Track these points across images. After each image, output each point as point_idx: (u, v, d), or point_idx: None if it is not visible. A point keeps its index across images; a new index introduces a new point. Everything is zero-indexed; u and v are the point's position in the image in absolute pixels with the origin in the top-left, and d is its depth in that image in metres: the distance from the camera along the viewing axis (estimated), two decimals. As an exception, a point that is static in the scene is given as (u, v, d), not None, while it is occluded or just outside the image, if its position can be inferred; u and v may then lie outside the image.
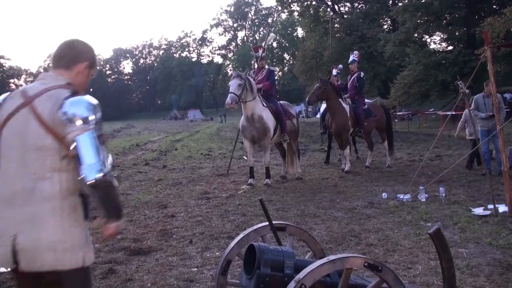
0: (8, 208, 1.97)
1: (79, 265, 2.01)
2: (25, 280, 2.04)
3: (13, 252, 1.92)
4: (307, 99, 10.74)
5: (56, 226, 1.97)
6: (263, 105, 8.31)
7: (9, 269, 1.98)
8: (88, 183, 1.92)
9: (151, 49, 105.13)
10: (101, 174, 1.91)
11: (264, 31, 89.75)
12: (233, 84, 7.94)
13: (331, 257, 2.17)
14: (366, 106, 10.22)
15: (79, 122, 1.94)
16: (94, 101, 2.05)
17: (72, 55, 2.17)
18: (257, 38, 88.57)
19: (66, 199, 2.01)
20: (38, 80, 2.14)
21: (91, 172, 1.91)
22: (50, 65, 2.19)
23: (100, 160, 1.94)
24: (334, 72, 11.66)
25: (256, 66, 9.40)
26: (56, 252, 1.95)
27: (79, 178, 1.94)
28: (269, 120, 8.27)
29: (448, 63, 25.62)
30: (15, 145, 2.00)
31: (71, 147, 1.96)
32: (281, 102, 9.05)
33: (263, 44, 9.71)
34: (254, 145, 8.73)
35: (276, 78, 9.35)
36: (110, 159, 2.06)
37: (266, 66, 9.20)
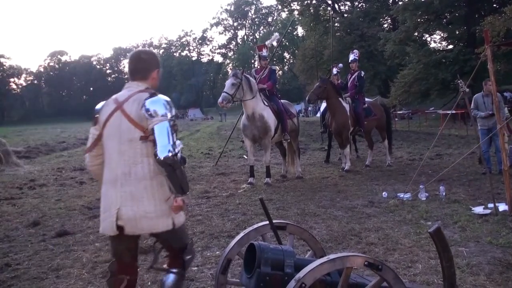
0: (113, 188, 2.61)
1: (169, 227, 2.65)
2: (128, 239, 2.69)
3: (118, 221, 2.54)
4: (307, 98, 10.73)
5: (149, 200, 2.57)
6: (264, 104, 8.30)
7: (114, 233, 2.58)
8: (158, 160, 2.44)
9: (151, 48, 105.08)
10: (170, 154, 2.43)
11: (265, 31, 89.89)
12: (227, 84, 7.99)
13: (331, 256, 2.17)
14: (366, 105, 10.21)
15: (157, 116, 2.53)
16: (167, 99, 2.65)
17: (144, 69, 2.78)
18: (258, 37, 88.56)
19: (154, 179, 2.59)
20: (125, 89, 2.78)
21: (162, 151, 2.44)
22: (129, 77, 2.80)
23: (171, 142, 2.47)
24: (334, 71, 11.65)
25: (258, 65, 9.38)
26: (151, 220, 2.58)
27: (156, 157, 2.45)
28: (270, 119, 8.26)
29: (448, 62, 25.61)
30: (113, 140, 2.64)
31: (150, 136, 2.53)
32: (282, 101, 9.04)
33: (267, 43, 9.68)
34: (254, 144, 8.73)
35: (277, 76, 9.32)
36: (179, 144, 2.54)
37: (268, 65, 9.20)
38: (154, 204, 2.58)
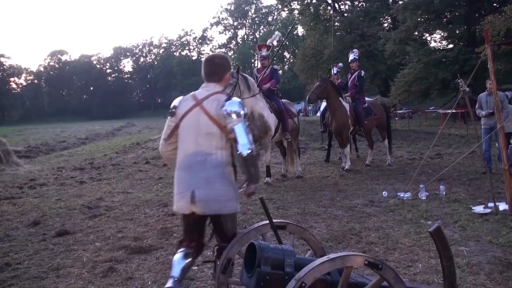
0: (187, 173, 2.97)
1: (232, 211, 3.04)
2: (197, 219, 3.09)
3: (192, 202, 2.91)
4: (307, 98, 10.70)
5: (220, 185, 2.94)
6: (264, 103, 8.30)
7: (188, 211, 2.99)
8: (242, 156, 2.88)
9: (151, 47, 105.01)
10: (250, 151, 2.87)
11: (265, 30, 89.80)
12: None
13: (332, 256, 2.17)
14: (366, 104, 10.21)
15: (235, 116, 2.92)
16: (240, 101, 3.05)
17: (219, 72, 3.15)
18: (258, 36, 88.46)
19: (226, 168, 2.98)
20: (203, 88, 3.14)
21: (244, 148, 2.87)
22: (204, 77, 3.17)
23: (249, 141, 2.90)
24: (334, 70, 11.64)
25: (259, 65, 9.37)
26: (220, 202, 2.94)
27: (237, 153, 2.90)
28: (270, 118, 8.25)
29: (449, 61, 25.58)
30: (190, 131, 3.01)
31: (230, 134, 2.94)
32: (282, 100, 9.03)
33: (268, 42, 9.63)
34: (255, 143, 8.71)
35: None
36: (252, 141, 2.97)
37: (270, 64, 9.17)
38: (224, 189, 2.97)
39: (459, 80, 6.35)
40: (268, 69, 8.93)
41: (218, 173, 2.96)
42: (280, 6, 47.57)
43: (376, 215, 5.73)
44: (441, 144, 13.44)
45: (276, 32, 10.49)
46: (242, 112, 2.96)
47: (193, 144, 3.00)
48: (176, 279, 2.97)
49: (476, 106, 8.39)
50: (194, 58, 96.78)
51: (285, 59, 77.94)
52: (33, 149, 17.01)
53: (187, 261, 3.08)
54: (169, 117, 3.21)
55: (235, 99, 3.05)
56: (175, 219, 5.92)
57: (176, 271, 3.01)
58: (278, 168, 10.04)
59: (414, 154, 11.74)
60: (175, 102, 3.19)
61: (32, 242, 5.19)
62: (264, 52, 9.05)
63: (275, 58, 9.66)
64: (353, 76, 10.40)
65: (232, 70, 8.24)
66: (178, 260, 3.07)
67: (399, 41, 26.94)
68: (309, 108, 45.66)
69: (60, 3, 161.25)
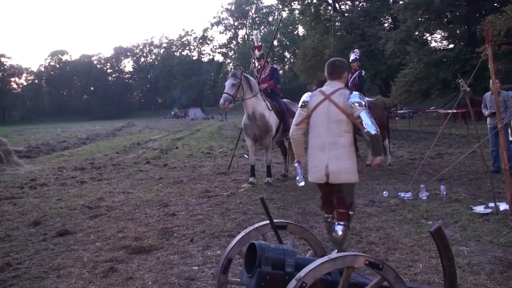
0: (321, 152, 3.86)
1: (353, 181, 3.91)
2: (328, 187, 3.94)
3: (326, 174, 3.81)
4: None
5: (347, 160, 3.82)
6: (265, 103, 8.30)
7: (323, 181, 3.87)
8: (369, 134, 3.74)
9: (152, 47, 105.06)
10: (375, 131, 3.74)
11: (265, 30, 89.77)
12: (227, 85, 7.99)
13: (332, 256, 2.17)
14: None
15: (358, 106, 3.76)
16: (359, 93, 3.88)
17: (339, 72, 4.04)
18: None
19: (350, 147, 3.87)
20: (328, 85, 3.99)
21: (371, 129, 3.74)
22: (327, 76, 4.05)
23: (373, 123, 3.77)
24: None
25: (257, 66, 9.38)
26: (347, 174, 3.82)
27: (365, 132, 3.74)
28: (271, 118, 8.26)
29: (449, 61, 25.58)
30: (323, 119, 3.86)
31: (356, 120, 3.78)
32: (284, 100, 9.04)
33: (255, 43, 9.75)
34: (256, 143, 8.73)
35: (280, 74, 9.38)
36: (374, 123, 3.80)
37: (269, 64, 9.20)
38: (350, 164, 3.83)
39: (459, 80, 6.35)
40: (267, 69, 8.94)
41: (346, 151, 3.83)
42: (280, 6, 47.55)
43: (377, 215, 5.73)
44: (442, 144, 13.44)
45: (254, 31, 10.66)
46: (363, 102, 3.80)
47: (325, 129, 3.85)
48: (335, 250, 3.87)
49: (482, 106, 8.51)
50: (194, 58, 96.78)
51: (286, 59, 77.91)
52: (34, 149, 17.02)
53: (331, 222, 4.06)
54: (299, 108, 4.06)
55: (355, 92, 3.89)
56: (175, 219, 5.93)
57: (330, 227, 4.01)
58: (279, 168, 10.04)
59: (415, 154, 11.74)
60: (306, 97, 4.05)
61: (33, 242, 5.19)
62: (257, 54, 9.20)
63: (275, 58, 9.69)
64: (354, 76, 10.40)
65: (237, 71, 8.31)
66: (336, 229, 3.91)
67: (399, 41, 26.95)
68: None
69: (60, 3, 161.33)
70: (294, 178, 8.73)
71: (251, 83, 8.16)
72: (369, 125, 3.73)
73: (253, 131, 8.27)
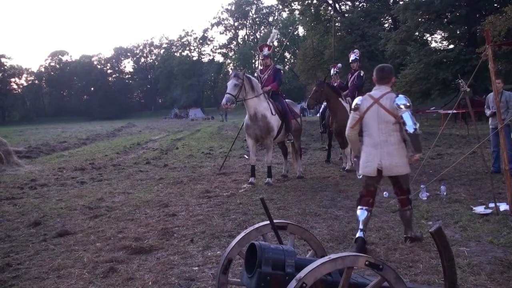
0: (374, 149, 4.42)
1: (406, 172, 4.48)
2: (378, 179, 4.54)
3: (379, 168, 4.38)
4: (306, 104, 10.69)
5: (397, 156, 4.37)
6: (268, 104, 8.31)
7: (374, 174, 4.44)
8: (409, 133, 4.25)
9: (152, 48, 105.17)
10: (414, 130, 4.22)
11: (265, 30, 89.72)
12: (229, 85, 7.97)
13: (332, 256, 2.16)
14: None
15: (403, 107, 4.27)
16: (405, 96, 4.40)
17: (387, 77, 4.52)
18: (259, 37, 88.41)
19: (400, 144, 4.40)
20: (376, 90, 4.51)
21: (410, 128, 4.22)
22: (376, 81, 4.54)
23: (414, 122, 4.25)
24: (333, 71, 11.63)
25: (261, 65, 9.37)
26: (398, 168, 4.39)
27: (405, 131, 4.25)
28: (273, 119, 8.26)
29: (449, 62, 25.59)
30: (374, 121, 4.42)
31: (400, 120, 4.28)
32: (286, 100, 9.04)
33: (268, 41, 9.62)
34: (257, 143, 8.73)
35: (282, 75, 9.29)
36: (416, 123, 4.31)
37: (273, 64, 9.16)
38: (400, 159, 4.40)
39: (459, 81, 6.34)
40: (271, 69, 8.92)
41: (396, 148, 4.38)
42: (280, 7, 47.57)
43: (377, 216, 5.72)
44: (442, 145, 13.44)
45: (274, 30, 10.48)
46: (408, 104, 4.31)
47: (376, 129, 4.41)
48: (362, 230, 4.46)
49: (485, 106, 8.50)
50: (194, 58, 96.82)
51: (286, 60, 77.95)
52: (34, 150, 17.03)
53: (367, 215, 4.54)
54: (352, 111, 4.64)
55: (401, 95, 4.41)
56: (175, 220, 5.93)
57: (362, 224, 4.49)
58: (279, 168, 10.04)
59: (415, 155, 11.72)
60: (358, 101, 4.58)
61: (33, 243, 5.19)
62: (265, 51, 9.05)
63: (275, 58, 9.62)
64: (354, 76, 10.41)
65: (237, 71, 8.29)
66: (361, 215, 4.54)
67: (399, 41, 26.96)
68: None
69: (60, 3, 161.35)
70: (295, 179, 8.79)
71: (253, 84, 8.16)
72: (409, 125, 4.24)
73: (254, 132, 8.26)
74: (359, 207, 4.60)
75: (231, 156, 13.26)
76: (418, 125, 4.29)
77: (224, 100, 7.85)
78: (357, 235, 4.42)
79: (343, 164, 9.97)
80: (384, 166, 4.36)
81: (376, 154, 4.40)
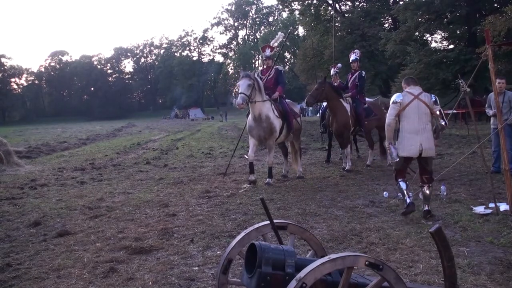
0: (416, 135, 5.42)
1: (434, 154, 5.76)
2: (422, 159, 5.52)
3: (420, 150, 5.39)
4: (305, 101, 10.69)
5: (432, 141, 5.49)
6: (270, 105, 8.35)
7: (416, 155, 5.47)
8: (442, 124, 5.76)
9: (152, 48, 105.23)
10: (445, 123, 5.77)
11: (265, 30, 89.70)
12: (242, 84, 7.91)
13: (332, 256, 2.16)
14: (366, 105, 10.21)
15: (437, 104, 5.75)
16: (435, 95, 5.92)
17: (416, 82, 5.82)
18: (258, 37, 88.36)
19: (431, 132, 5.54)
20: (412, 89, 5.64)
21: (444, 122, 5.77)
22: (408, 83, 5.76)
23: (444, 117, 5.82)
24: (333, 71, 11.63)
25: (262, 66, 9.37)
26: (432, 150, 5.50)
27: (440, 122, 5.72)
28: (275, 120, 8.30)
29: (449, 62, 25.59)
30: (415, 112, 5.47)
31: (437, 113, 5.62)
32: (286, 100, 9.05)
33: (271, 43, 9.61)
34: (260, 144, 8.76)
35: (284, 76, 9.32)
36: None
37: (274, 65, 9.18)
38: (433, 143, 5.54)
39: (459, 81, 6.34)
40: (272, 71, 8.92)
41: (431, 135, 5.54)
42: (281, 7, 47.55)
43: (377, 216, 5.73)
44: (442, 145, 13.43)
45: (280, 33, 10.44)
46: (438, 101, 5.84)
47: (417, 119, 5.47)
48: (410, 196, 5.55)
49: (486, 106, 8.53)
50: (194, 58, 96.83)
51: (286, 60, 77.97)
52: (34, 150, 17.03)
53: (407, 184, 5.62)
54: (392, 104, 5.63)
55: (433, 95, 5.83)
56: (175, 220, 5.93)
57: (406, 193, 5.54)
58: (279, 168, 10.04)
59: (415, 155, 11.72)
60: (397, 96, 5.66)
61: (33, 243, 5.19)
62: (268, 52, 9.09)
63: (275, 58, 9.61)
64: (354, 76, 10.39)
65: (248, 72, 8.31)
66: (404, 186, 5.58)
67: (399, 41, 26.95)
68: (310, 108, 45.67)
69: (60, 3, 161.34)
70: (295, 179, 8.79)
71: (260, 85, 8.20)
72: (443, 119, 5.75)
73: (258, 133, 8.28)
74: (399, 180, 5.65)
75: (231, 156, 13.26)
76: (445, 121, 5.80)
77: (240, 100, 7.78)
78: (407, 201, 5.46)
79: (343, 164, 9.97)
80: (425, 148, 5.41)
81: (417, 138, 5.41)
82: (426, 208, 5.48)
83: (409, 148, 5.46)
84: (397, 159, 5.55)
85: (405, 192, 5.51)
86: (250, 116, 8.44)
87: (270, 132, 8.24)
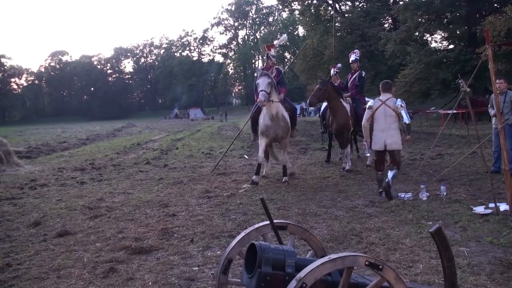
0: (382, 133, 6.81)
1: (400, 148, 7.03)
2: (383, 153, 6.95)
3: (385, 144, 6.77)
4: (308, 101, 10.70)
5: (396, 137, 6.78)
6: (282, 104, 8.54)
7: (382, 149, 6.85)
8: (404, 123, 6.76)
9: (152, 48, 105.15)
10: (408, 121, 6.74)
11: (265, 30, 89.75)
12: (262, 82, 7.91)
13: (332, 256, 2.16)
14: (366, 105, 10.21)
15: (400, 106, 6.70)
16: (400, 99, 6.95)
17: (389, 88, 7.06)
18: (258, 37, 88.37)
19: (397, 130, 6.80)
20: (382, 96, 6.94)
21: (406, 120, 6.69)
22: (382, 90, 6.99)
23: (408, 117, 6.75)
24: (333, 71, 11.63)
25: (264, 65, 9.47)
26: (397, 144, 6.81)
27: (402, 122, 6.75)
28: (288, 119, 8.53)
29: (449, 62, 25.59)
30: (381, 115, 6.81)
31: (399, 114, 6.72)
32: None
33: (275, 43, 9.75)
34: (272, 143, 8.88)
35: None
36: (409, 117, 6.90)
37: (276, 66, 9.25)
38: (397, 138, 6.71)
39: (459, 81, 6.34)
40: (274, 70, 8.96)
41: (396, 132, 6.71)
42: (280, 7, 47.53)
43: (377, 216, 5.73)
44: (442, 145, 13.43)
45: (284, 35, 10.66)
46: (403, 105, 6.71)
47: (384, 120, 6.71)
48: (383, 184, 6.69)
49: (489, 105, 8.60)
50: (194, 58, 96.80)
51: (286, 60, 77.98)
52: (34, 150, 17.03)
53: (381, 177, 6.92)
54: (367, 109, 7.00)
55: (399, 99, 6.81)
56: (175, 220, 5.93)
57: (380, 183, 6.91)
58: (279, 168, 10.03)
59: (415, 155, 11.73)
60: (371, 102, 7.05)
61: (33, 243, 5.19)
62: (273, 52, 9.27)
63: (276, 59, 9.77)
64: (354, 76, 10.40)
65: (263, 70, 8.39)
66: (378, 178, 7.02)
67: (399, 41, 26.95)
68: (311, 109, 45.69)
69: (60, 3, 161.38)
70: (295, 179, 8.79)
71: (275, 85, 8.26)
72: (404, 118, 6.63)
73: (275, 132, 8.33)
74: (376, 173, 7.02)
75: (231, 156, 13.27)
76: (409, 119, 6.78)
77: (262, 97, 7.76)
78: (383, 186, 6.68)
79: (343, 164, 9.96)
80: (388, 143, 6.68)
81: (382, 135, 6.73)
82: (380, 189, 6.88)
83: (376, 143, 6.84)
84: (368, 154, 6.80)
85: (380, 182, 6.94)
86: (264, 116, 8.41)
87: (287, 131, 8.43)
